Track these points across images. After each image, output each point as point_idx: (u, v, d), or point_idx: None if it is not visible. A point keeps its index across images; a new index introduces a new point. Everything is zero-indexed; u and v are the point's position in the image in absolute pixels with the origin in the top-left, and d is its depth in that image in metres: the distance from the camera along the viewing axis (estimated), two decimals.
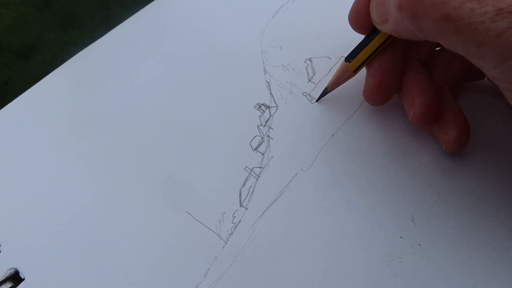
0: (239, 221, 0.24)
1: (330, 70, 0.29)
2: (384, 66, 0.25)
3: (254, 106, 0.27)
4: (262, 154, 0.26)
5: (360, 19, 0.24)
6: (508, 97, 0.21)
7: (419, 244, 0.24)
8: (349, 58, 0.25)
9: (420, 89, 0.24)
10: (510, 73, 0.18)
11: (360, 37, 0.25)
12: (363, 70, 0.26)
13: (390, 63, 0.25)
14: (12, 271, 0.22)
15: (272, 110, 0.27)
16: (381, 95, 0.25)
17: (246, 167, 0.25)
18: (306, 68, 0.29)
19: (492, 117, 0.27)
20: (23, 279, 0.22)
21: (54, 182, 0.25)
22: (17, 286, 0.22)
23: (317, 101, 0.28)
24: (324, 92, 0.27)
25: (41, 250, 0.23)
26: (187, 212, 0.24)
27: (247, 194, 0.25)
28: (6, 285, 0.22)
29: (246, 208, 0.24)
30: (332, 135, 0.27)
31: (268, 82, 0.28)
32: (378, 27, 0.24)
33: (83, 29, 0.31)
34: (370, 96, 0.26)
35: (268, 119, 0.27)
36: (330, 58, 0.29)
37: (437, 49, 0.27)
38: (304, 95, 0.28)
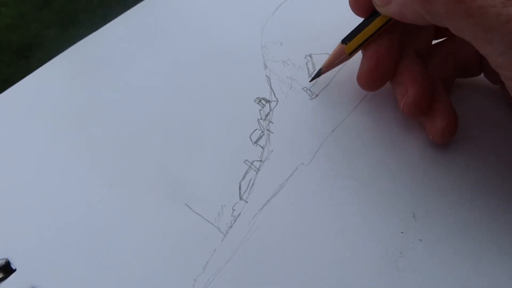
0: (239, 214, 0.24)
1: None
2: (380, 50, 0.25)
3: (254, 100, 0.27)
4: (262, 147, 0.26)
5: (362, 1, 0.24)
6: (510, 87, 0.20)
7: (420, 240, 0.24)
8: (345, 40, 0.25)
9: (414, 79, 0.24)
10: None
11: None
12: (360, 59, 0.26)
13: (386, 48, 0.25)
14: (3, 261, 0.22)
15: (272, 104, 0.27)
16: (375, 80, 0.25)
17: (246, 160, 0.25)
18: (306, 64, 0.29)
19: (490, 114, 0.27)
20: (15, 269, 0.22)
21: (48, 173, 0.25)
22: (8, 276, 0.22)
23: (311, 81, 0.28)
24: (318, 73, 0.27)
25: (34, 241, 0.23)
26: (186, 204, 0.24)
27: (247, 187, 0.24)
28: None
29: (246, 201, 0.24)
30: (333, 130, 0.27)
31: (268, 77, 0.28)
32: (379, 9, 0.24)
33: (83, 27, 0.31)
34: (363, 80, 0.26)
35: (268, 113, 0.27)
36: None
37: (433, 43, 0.27)
38: (304, 90, 0.28)
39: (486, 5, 0.18)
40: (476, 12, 0.18)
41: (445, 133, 0.25)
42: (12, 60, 0.34)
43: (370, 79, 0.25)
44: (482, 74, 0.27)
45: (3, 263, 0.22)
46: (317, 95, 0.28)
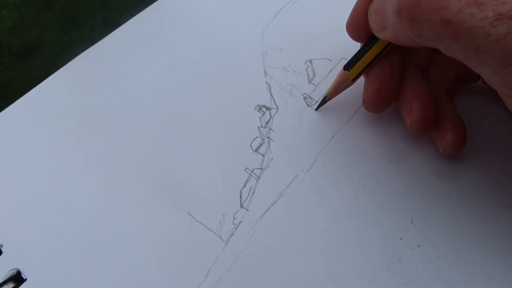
0: (240, 222, 0.24)
1: (330, 72, 0.29)
2: (382, 74, 0.25)
3: (255, 108, 0.27)
4: (263, 155, 0.26)
5: (359, 27, 0.24)
6: (508, 103, 0.20)
7: (419, 246, 0.24)
8: (347, 67, 0.25)
9: (417, 97, 0.24)
10: (510, 79, 0.18)
11: None
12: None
13: (388, 72, 0.25)
14: (14, 271, 0.23)
15: (273, 111, 0.27)
16: (380, 103, 0.25)
17: (246, 168, 0.26)
18: (306, 69, 0.29)
19: (490, 119, 0.27)
20: (25, 279, 0.23)
21: (55, 183, 0.25)
22: (19, 286, 0.22)
23: (316, 109, 0.28)
24: (323, 101, 0.27)
25: (43, 251, 0.23)
26: (188, 213, 0.24)
27: (248, 195, 0.25)
28: (8, 286, 0.22)
29: (247, 209, 0.24)
30: (332, 137, 0.27)
31: (268, 84, 0.28)
32: (376, 34, 0.23)
33: (83, 30, 0.31)
34: (369, 104, 0.26)
35: (269, 120, 0.27)
36: (330, 60, 0.29)
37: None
38: (304, 97, 0.28)
39: (475, 26, 0.18)
40: (465, 34, 0.18)
41: (455, 145, 0.25)
42: (12, 63, 0.34)
43: (376, 102, 0.25)
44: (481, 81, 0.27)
45: (14, 273, 0.22)
46: (317, 102, 0.28)
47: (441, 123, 0.25)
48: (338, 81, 0.26)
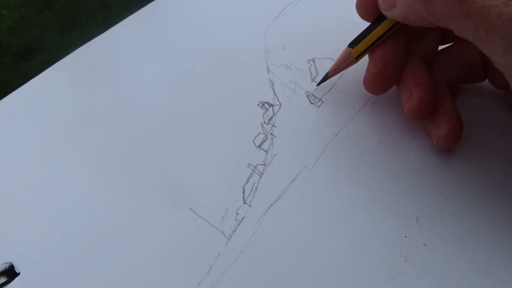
0: (243, 218, 0.24)
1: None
2: (386, 55, 0.25)
3: (258, 104, 0.27)
4: (266, 151, 0.26)
5: (368, 5, 0.25)
6: None
7: (424, 244, 0.24)
8: (352, 44, 0.26)
9: (419, 83, 0.24)
10: None
11: None
12: (366, 62, 0.26)
13: (392, 53, 0.25)
14: (7, 265, 0.22)
15: (276, 108, 0.27)
16: (381, 83, 0.25)
17: (249, 164, 0.25)
18: (309, 68, 0.29)
19: (493, 118, 0.27)
20: (19, 273, 0.22)
21: (51, 176, 0.25)
22: (12, 280, 0.22)
23: (318, 85, 0.28)
24: (325, 77, 0.27)
25: (37, 244, 0.23)
26: (190, 208, 0.24)
27: (251, 191, 0.24)
28: (1, 280, 0.22)
29: (250, 205, 0.24)
30: (336, 134, 0.27)
31: (271, 81, 0.28)
32: (384, 13, 0.24)
33: (84, 30, 0.31)
34: (369, 84, 0.26)
35: (272, 117, 0.27)
36: (333, 60, 0.29)
37: (439, 49, 0.27)
38: (307, 94, 0.28)
39: (489, 4, 0.18)
40: (477, 12, 0.18)
41: (448, 138, 0.25)
42: (12, 63, 0.34)
43: (376, 83, 0.25)
44: (486, 80, 0.27)
45: (7, 267, 0.22)
46: (320, 99, 0.28)
47: (437, 115, 0.25)
48: (341, 58, 0.26)
